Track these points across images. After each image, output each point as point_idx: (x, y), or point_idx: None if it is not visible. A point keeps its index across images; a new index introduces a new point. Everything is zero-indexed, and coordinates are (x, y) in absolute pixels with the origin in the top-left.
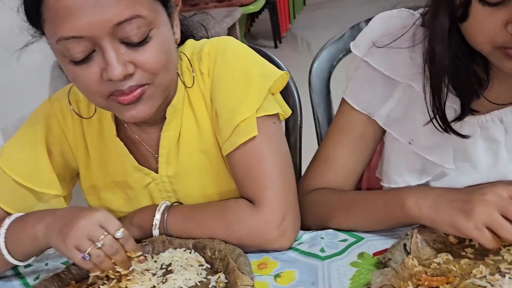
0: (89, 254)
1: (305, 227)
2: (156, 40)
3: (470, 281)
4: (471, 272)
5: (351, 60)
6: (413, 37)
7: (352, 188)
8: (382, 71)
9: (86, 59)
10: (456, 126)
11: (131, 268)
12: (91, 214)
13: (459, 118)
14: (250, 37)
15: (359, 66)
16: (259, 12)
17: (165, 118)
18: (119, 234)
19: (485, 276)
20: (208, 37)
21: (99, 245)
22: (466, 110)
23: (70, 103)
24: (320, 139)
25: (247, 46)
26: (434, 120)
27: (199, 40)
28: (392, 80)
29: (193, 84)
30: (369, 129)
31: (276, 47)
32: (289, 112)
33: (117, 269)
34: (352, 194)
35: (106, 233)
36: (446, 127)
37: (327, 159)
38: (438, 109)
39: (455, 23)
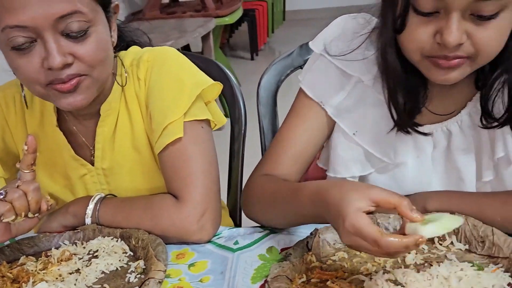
0: (5, 191)
1: (250, 213)
2: (95, 36)
3: (356, 276)
4: (359, 269)
5: (296, 76)
6: (368, 42)
7: (300, 173)
8: (336, 64)
9: (28, 49)
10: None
11: (39, 215)
12: None
13: (400, 125)
14: (228, 47)
15: (317, 60)
16: (239, 23)
17: (99, 114)
18: (24, 147)
19: (370, 273)
20: (151, 45)
21: (18, 183)
22: (410, 118)
23: (22, 89)
24: (264, 148)
25: (185, 57)
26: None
27: (143, 47)
28: (344, 73)
29: (125, 83)
30: (320, 117)
31: (252, 59)
32: (222, 121)
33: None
34: (287, 186)
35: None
36: (406, 128)
37: (281, 141)
38: (395, 110)
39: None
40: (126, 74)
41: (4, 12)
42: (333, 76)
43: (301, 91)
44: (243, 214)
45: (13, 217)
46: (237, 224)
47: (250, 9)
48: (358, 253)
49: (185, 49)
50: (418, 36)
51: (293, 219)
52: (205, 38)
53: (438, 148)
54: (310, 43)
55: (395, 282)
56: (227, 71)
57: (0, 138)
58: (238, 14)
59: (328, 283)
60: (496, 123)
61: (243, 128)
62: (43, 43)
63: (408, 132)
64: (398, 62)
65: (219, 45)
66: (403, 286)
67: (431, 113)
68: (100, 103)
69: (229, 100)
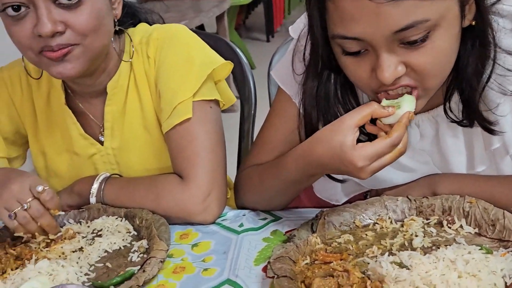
0: (15, 214)
1: (244, 205)
2: (89, 4)
3: (362, 259)
4: (365, 252)
5: None
6: None
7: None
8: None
9: (20, 15)
10: None
11: (59, 234)
12: (21, 178)
13: None
14: (244, 29)
15: (286, 54)
16: (255, 4)
17: (106, 93)
18: (39, 188)
19: (376, 256)
20: (162, 23)
21: (26, 207)
22: None
23: (23, 60)
24: None
25: (195, 35)
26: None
27: (152, 25)
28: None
29: (131, 57)
30: (293, 110)
31: (268, 40)
32: (231, 101)
33: (50, 237)
34: (270, 164)
35: (33, 197)
36: None
37: (261, 139)
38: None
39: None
40: (133, 49)
41: None
42: (301, 69)
43: (279, 90)
44: None
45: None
46: None
47: None
48: (364, 235)
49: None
50: (358, 76)
51: (283, 192)
52: (219, 18)
53: (425, 137)
54: (289, 29)
55: (400, 265)
56: (238, 50)
57: (7, 118)
58: None
59: (332, 264)
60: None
61: (253, 108)
62: (35, 10)
63: None
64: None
65: (234, 27)
66: (409, 269)
67: None
68: (107, 79)
69: (239, 80)
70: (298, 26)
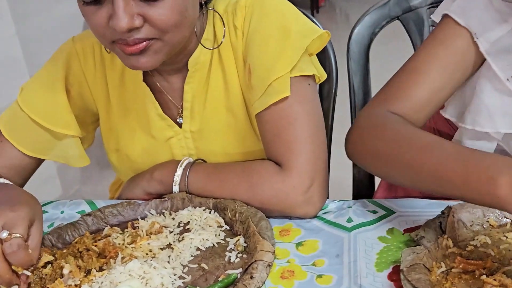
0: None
1: (358, 155)
2: None
3: (510, 268)
4: (511, 259)
5: (394, 28)
6: None
7: (425, 119)
8: None
9: (97, 1)
10: None
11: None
12: (2, 212)
13: None
14: None
15: None
16: None
17: (187, 69)
18: (3, 235)
19: None
20: None
21: None
22: None
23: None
24: (354, 109)
25: (287, 1)
26: None
27: None
28: (510, 4)
29: (221, 43)
30: (469, 52)
31: (312, 16)
32: (324, 76)
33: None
34: (427, 137)
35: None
36: None
37: (414, 72)
38: None
39: None
40: (224, 28)
41: None
42: (493, 5)
43: (446, 20)
44: (330, 184)
45: None
46: None
47: None
48: (503, 238)
49: None
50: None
51: (413, 183)
52: None
53: None
54: None
55: None
56: (316, 21)
57: (77, 94)
58: None
59: (483, 277)
60: None
61: (334, 86)
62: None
63: None
64: None
65: None
66: None
67: None
68: (187, 56)
69: (318, 55)
70: None
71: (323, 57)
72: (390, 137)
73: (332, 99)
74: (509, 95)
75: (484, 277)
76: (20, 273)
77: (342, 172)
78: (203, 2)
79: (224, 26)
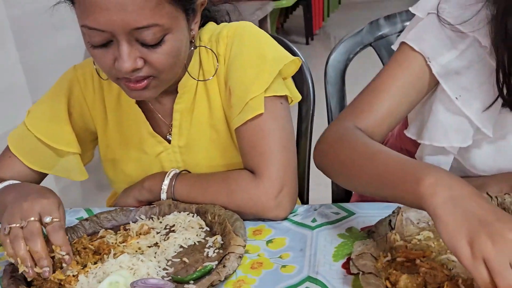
0: (9, 228)
1: (324, 166)
2: (169, 44)
3: (446, 256)
4: (448, 249)
5: (367, 54)
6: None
7: (388, 132)
8: (450, 22)
9: (104, 45)
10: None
11: (46, 271)
12: (38, 199)
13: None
14: (283, 32)
15: (425, 19)
16: (294, 8)
17: (177, 91)
18: (47, 219)
19: None
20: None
21: (23, 225)
22: None
23: (94, 63)
24: None
25: (264, 31)
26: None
27: (219, 24)
28: (458, 32)
29: (215, 72)
30: (423, 74)
31: (307, 43)
32: (298, 97)
33: (36, 270)
34: (377, 147)
35: (36, 219)
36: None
37: (376, 90)
38: (502, 84)
39: None
40: (217, 64)
41: (84, 11)
42: (444, 33)
43: (403, 47)
44: (310, 194)
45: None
46: (304, 203)
47: None
48: None
49: None
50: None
51: (365, 189)
52: (262, 21)
53: None
54: (411, 8)
55: None
56: (295, 49)
57: (78, 116)
58: None
59: (417, 262)
60: None
61: (311, 107)
62: (117, 44)
63: None
64: None
65: (275, 30)
66: None
67: None
68: (177, 81)
69: (297, 78)
70: (426, 2)
71: (301, 81)
72: (348, 148)
73: (310, 119)
74: (459, 113)
75: (418, 261)
76: (61, 253)
77: (322, 186)
78: (192, 40)
79: (218, 62)
